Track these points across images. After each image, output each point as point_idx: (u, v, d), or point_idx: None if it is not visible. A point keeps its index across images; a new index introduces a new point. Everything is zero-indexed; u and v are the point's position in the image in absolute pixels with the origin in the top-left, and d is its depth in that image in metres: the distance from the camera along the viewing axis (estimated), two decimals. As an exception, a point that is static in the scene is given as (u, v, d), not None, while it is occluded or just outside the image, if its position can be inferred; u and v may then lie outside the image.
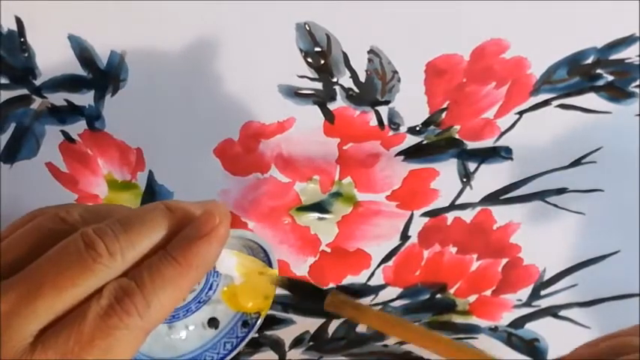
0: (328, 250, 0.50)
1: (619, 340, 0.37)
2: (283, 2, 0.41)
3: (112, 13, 0.40)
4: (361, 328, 0.53)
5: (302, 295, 0.39)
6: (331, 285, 0.51)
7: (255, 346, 0.52)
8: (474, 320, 0.54)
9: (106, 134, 0.44)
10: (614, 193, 0.50)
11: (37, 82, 0.42)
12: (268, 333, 0.52)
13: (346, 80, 0.44)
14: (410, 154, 0.47)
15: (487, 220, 0.50)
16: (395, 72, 0.44)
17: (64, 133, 0.43)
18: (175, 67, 0.42)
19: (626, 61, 0.46)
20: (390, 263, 0.50)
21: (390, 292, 0.52)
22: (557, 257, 0.52)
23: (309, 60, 0.43)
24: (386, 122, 0.46)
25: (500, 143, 0.47)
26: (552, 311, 0.53)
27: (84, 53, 0.41)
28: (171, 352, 0.36)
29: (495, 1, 0.42)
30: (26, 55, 0.41)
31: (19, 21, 0.40)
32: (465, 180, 0.48)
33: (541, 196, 0.49)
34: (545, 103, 0.46)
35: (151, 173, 0.45)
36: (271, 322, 0.51)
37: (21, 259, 0.29)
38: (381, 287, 0.51)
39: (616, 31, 0.45)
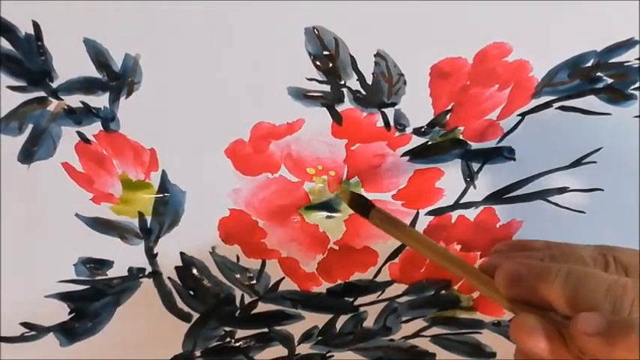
0: (336, 247, 0.49)
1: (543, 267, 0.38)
2: (292, 7, 0.41)
3: (126, 18, 0.40)
4: (368, 324, 0.52)
5: (353, 205, 0.45)
6: (339, 281, 0.50)
7: (265, 340, 0.52)
8: (477, 316, 0.53)
9: (121, 135, 0.43)
10: (613, 193, 0.49)
11: (54, 85, 0.41)
12: (278, 328, 0.51)
13: (354, 83, 0.44)
14: (415, 154, 0.46)
15: (490, 218, 0.49)
16: (401, 75, 0.43)
17: (79, 134, 0.43)
18: (188, 69, 0.42)
19: (626, 64, 0.45)
20: (396, 260, 0.50)
21: (397, 289, 0.51)
22: (559, 254, 0.51)
23: (318, 63, 0.43)
24: (392, 123, 0.45)
25: (503, 144, 0.47)
26: (553, 307, 0.53)
27: (99, 56, 0.41)
28: None
29: (498, 4, 0.42)
30: (43, 58, 0.40)
31: (36, 25, 0.40)
32: (468, 179, 0.48)
33: (543, 195, 0.49)
34: (547, 105, 0.46)
35: (164, 173, 0.45)
36: (281, 317, 0.51)
37: None
38: (388, 283, 0.51)
39: (616, 34, 0.44)
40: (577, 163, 0.48)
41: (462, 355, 0.54)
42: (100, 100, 0.42)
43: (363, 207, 0.45)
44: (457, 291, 0.52)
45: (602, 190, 0.49)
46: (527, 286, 0.37)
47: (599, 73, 0.45)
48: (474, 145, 0.47)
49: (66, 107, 0.42)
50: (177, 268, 0.48)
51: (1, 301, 0.47)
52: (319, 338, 0.53)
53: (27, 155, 0.43)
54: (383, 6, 0.41)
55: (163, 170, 0.45)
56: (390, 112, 0.45)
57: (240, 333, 0.52)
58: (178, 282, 0.49)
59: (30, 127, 0.42)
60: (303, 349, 0.53)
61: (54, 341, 0.49)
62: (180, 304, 0.50)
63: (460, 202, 0.49)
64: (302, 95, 0.43)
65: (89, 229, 0.46)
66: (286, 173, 0.46)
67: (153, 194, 0.46)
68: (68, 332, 0.49)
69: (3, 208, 0.44)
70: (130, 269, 0.48)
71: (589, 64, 0.45)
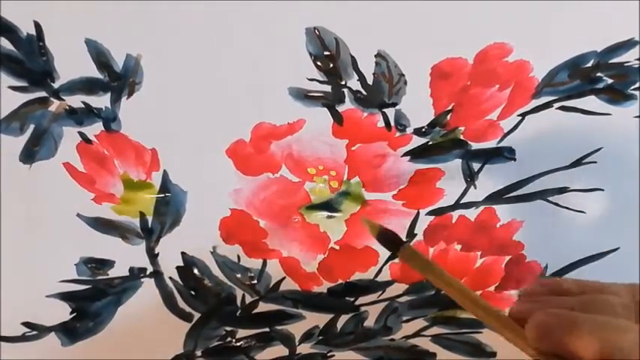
0: (337, 247, 0.49)
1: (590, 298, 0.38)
2: (293, 8, 0.41)
3: (127, 18, 0.40)
4: (368, 323, 0.52)
5: (383, 241, 0.42)
6: (340, 281, 0.50)
7: (266, 340, 0.52)
8: (477, 315, 0.53)
9: (122, 135, 0.43)
10: (613, 192, 0.49)
11: (56, 85, 0.41)
12: (279, 328, 0.51)
13: (354, 83, 0.43)
14: (416, 154, 0.46)
15: (491, 218, 0.49)
16: (401, 75, 0.43)
17: (81, 134, 0.43)
18: (189, 70, 0.42)
19: (626, 64, 0.45)
20: (397, 260, 0.50)
21: (397, 288, 0.51)
22: (559, 254, 0.51)
23: (319, 63, 0.43)
24: (393, 124, 0.45)
25: (503, 144, 0.47)
26: (553, 306, 0.53)
27: (100, 57, 0.41)
28: None
29: (499, 4, 0.42)
30: (45, 58, 0.40)
31: (37, 26, 0.40)
32: (469, 179, 0.48)
33: (543, 195, 0.49)
34: (547, 105, 0.46)
35: (165, 173, 0.45)
36: (282, 317, 0.51)
37: None
38: (389, 283, 0.51)
39: (616, 35, 0.44)
40: (577, 163, 0.48)
41: (462, 354, 0.54)
42: (101, 101, 0.42)
43: (391, 243, 0.43)
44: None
45: (602, 190, 0.49)
46: (557, 339, 0.37)
47: (599, 74, 0.45)
48: (475, 145, 0.47)
49: (67, 107, 0.42)
50: (178, 267, 0.48)
51: (3, 300, 0.47)
52: (320, 338, 0.52)
53: (28, 155, 0.43)
54: (383, 6, 0.41)
55: (165, 170, 0.45)
56: (390, 112, 0.45)
57: (241, 333, 0.51)
58: (179, 282, 0.49)
59: (31, 127, 0.42)
60: (304, 348, 0.53)
61: (54, 341, 0.49)
62: (181, 303, 0.49)
63: (461, 202, 0.48)
64: (303, 95, 0.43)
65: (90, 229, 0.46)
66: (287, 173, 0.46)
67: (154, 194, 0.46)
68: (69, 332, 0.49)
69: (4, 208, 0.44)
70: (132, 269, 0.48)
71: (589, 64, 0.45)
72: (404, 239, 0.44)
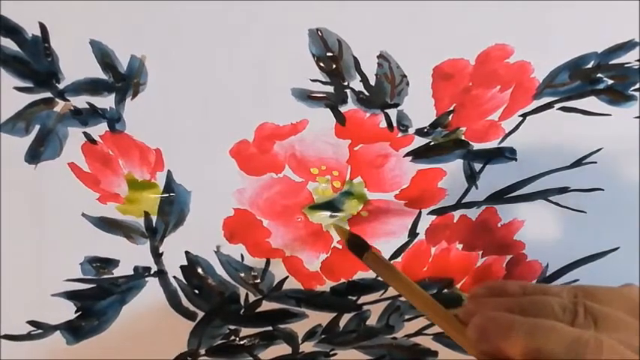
0: (339, 246, 0.49)
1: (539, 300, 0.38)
2: (296, 9, 0.41)
3: (132, 19, 0.40)
4: (371, 322, 0.52)
5: (349, 245, 0.46)
6: (342, 280, 0.50)
7: (269, 339, 0.52)
8: (479, 314, 0.53)
9: (127, 136, 0.43)
10: (614, 192, 0.49)
11: (61, 86, 0.41)
12: (282, 326, 0.51)
13: (357, 84, 0.43)
14: (418, 154, 0.46)
15: (492, 217, 0.49)
16: (403, 76, 0.43)
17: (86, 134, 0.43)
18: (192, 71, 0.42)
19: (626, 65, 0.45)
20: (399, 259, 0.50)
21: (399, 287, 0.51)
22: (560, 253, 0.51)
23: (321, 64, 0.42)
24: (395, 124, 0.45)
25: (504, 144, 0.47)
26: (553, 305, 0.53)
27: (105, 58, 0.41)
28: None
29: (500, 5, 0.42)
30: (50, 59, 0.40)
31: (42, 27, 0.39)
32: (470, 179, 0.47)
33: (544, 194, 0.48)
34: (548, 105, 0.46)
35: (169, 173, 0.45)
36: (285, 316, 0.51)
37: None
38: (391, 282, 0.50)
39: (616, 36, 0.44)
40: (577, 163, 0.48)
41: (463, 353, 0.54)
42: (106, 101, 0.42)
43: (358, 247, 0.45)
44: (459, 290, 0.52)
45: (603, 190, 0.49)
46: (493, 341, 0.37)
47: (599, 75, 0.45)
48: (476, 146, 0.46)
49: (72, 108, 0.42)
50: (182, 267, 0.48)
51: (9, 300, 0.47)
52: (323, 336, 0.52)
53: (34, 155, 0.43)
54: (385, 7, 0.41)
55: (169, 170, 0.45)
56: (392, 112, 0.45)
57: (245, 331, 0.51)
58: (183, 281, 0.49)
59: (37, 127, 0.42)
60: (307, 347, 0.53)
61: (54, 341, 0.49)
62: (185, 302, 0.49)
63: (462, 201, 0.48)
64: (306, 96, 0.43)
65: (95, 228, 0.46)
66: (290, 173, 0.46)
67: (158, 194, 0.45)
68: (75, 331, 0.49)
69: (9, 208, 0.44)
70: (136, 268, 0.48)
71: (590, 65, 0.45)
72: (370, 245, 0.45)
